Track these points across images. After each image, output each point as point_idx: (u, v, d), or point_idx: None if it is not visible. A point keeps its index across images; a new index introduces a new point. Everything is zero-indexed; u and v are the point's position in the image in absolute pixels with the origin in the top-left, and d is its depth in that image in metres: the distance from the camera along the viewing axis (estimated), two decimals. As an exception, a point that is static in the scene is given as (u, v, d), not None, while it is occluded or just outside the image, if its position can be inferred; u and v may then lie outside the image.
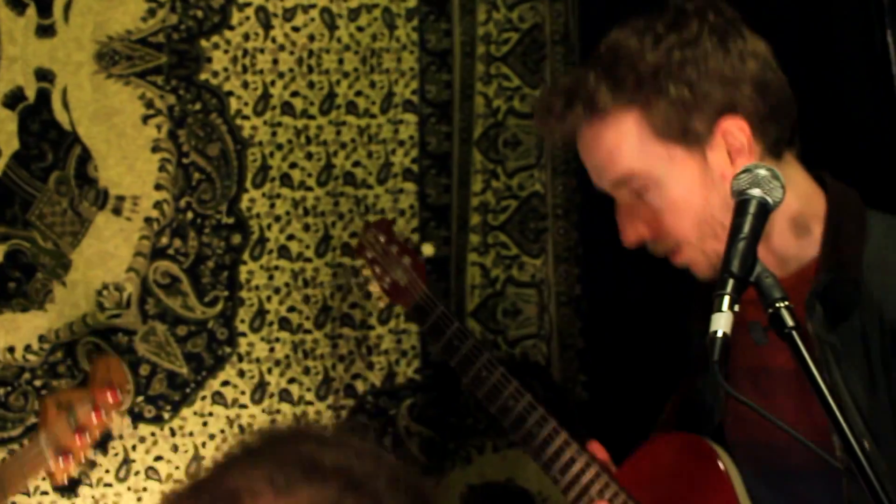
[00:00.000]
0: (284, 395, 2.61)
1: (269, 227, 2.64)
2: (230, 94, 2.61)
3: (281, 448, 0.96)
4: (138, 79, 2.56)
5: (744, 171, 1.55)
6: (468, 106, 2.74)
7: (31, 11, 2.51)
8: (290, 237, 2.65)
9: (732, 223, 1.53)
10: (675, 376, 2.09)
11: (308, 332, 2.64)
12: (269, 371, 2.61)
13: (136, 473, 2.52)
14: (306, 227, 2.65)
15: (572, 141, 1.87)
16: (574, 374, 2.76)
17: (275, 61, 2.64)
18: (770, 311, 1.48)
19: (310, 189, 2.66)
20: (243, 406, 2.59)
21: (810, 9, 2.33)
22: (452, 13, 2.72)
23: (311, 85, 2.66)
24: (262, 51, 2.63)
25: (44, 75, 2.51)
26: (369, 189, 2.69)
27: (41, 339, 2.50)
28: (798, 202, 1.79)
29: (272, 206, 2.64)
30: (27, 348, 2.49)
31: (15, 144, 2.49)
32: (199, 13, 2.59)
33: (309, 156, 2.66)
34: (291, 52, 2.64)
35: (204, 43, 2.59)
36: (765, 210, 1.53)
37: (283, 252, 2.64)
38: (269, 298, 2.63)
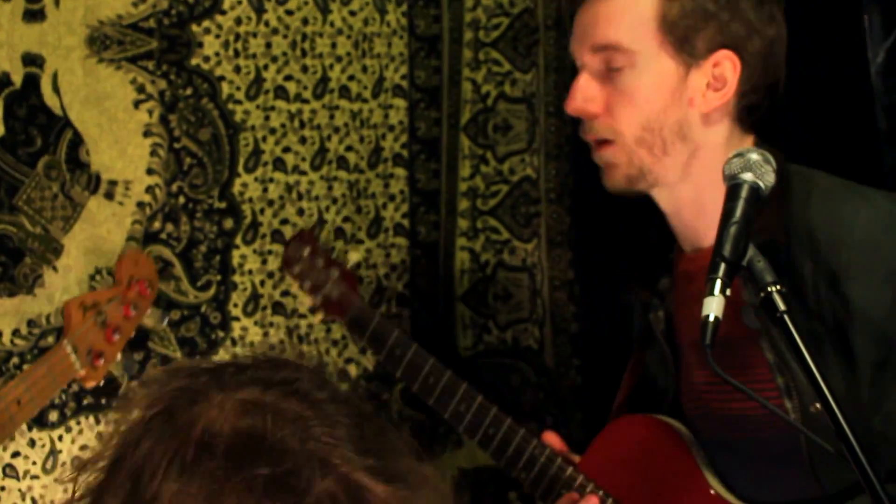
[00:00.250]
0: (277, 380, 2.61)
1: (261, 211, 2.63)
2: (222, 78, 2.61)
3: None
4: (129, 63, 2.55)
5: (736, 156, 1.56)
6: (456, 91, 2.74)
7: (19, -4, 2.50)
8: (284, 221, 2.65)
9: (724, 207, 1.54)
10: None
11: (303, 316, 2.64)
12: (263, 356, 2.60)
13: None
14: (300, 212, 2.65)
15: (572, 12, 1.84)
16: (568, 358, 2.76)
17: (268, 45, 2.63)
18: (762, 294, 1.49)
19: (303, 173, 2.66)
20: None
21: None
22: (441, -1, 2.72)
23: (304, 69, 2.66)
24: (254, 35, 2.62)
25: (32, 60, 2.50)
26: (361, 174, 2.69)
27: (30, 323, 2.50)
28: None
29: (265, 190, 2.64)
30: (15, 333, 2.48)
31: (0, 130, 2.48)
32: (191, -2, 2.59)
33: (303, 140, 2.66)
34: (285, 36, 2.64)
35: (195, 28, 2.59)
36: (757, 195, 1.54)
37: (277, 236, 2.64)
38: (262, 283, 2.63)
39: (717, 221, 1.77)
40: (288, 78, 2.65)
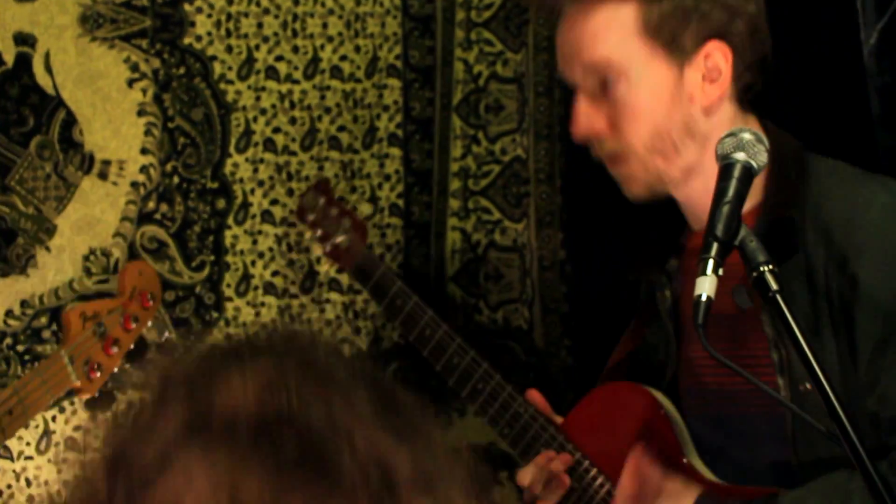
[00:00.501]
0: (270, 360, 2.61)
1: (252, 191, 2.64)
2: (214, 58, 2.60)
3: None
4: (123, 42, 2.54)
5: (728, 136, 1.56)
6: (448, 72, 2.74)
7: (10, -24, 2.49)
8: (274, 202, 2.65)
9: (717, 187, 1.55)
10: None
11: (294, 296, 2.65)
12: (256, 336, 2.61)
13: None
14: (290, 192, 2.65)
15: (557, 14, 1.84)
16: (558, 338, 2.78)
17: (259, 25, 2.63)
18: (754, 274, 1.50)
19: (293, 154, 2.66)
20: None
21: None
22: (435, -23, 2.71)
23: (295, 49, 2.66)
24: (246, 15, 2.62)
25: (24, 40, 2.49)
26: (355, 154, 2.69)
27: (24, 304, 2.50)
28: None
29: (255, 170, 2.64)
30: (9, 313, 2.48)
31: (-8, 110, 2.48)
32: (183, -24, 2.58)
33: (293, 120, 2.66)
34: (276, 16, 2.64)
35: (187, 7, 2.58)
36: (749, 174, 1.55)
37: (267, 217, 2.64)
38: (253, 263, 2.63)
39: None
40: (279, 58, 2.65)
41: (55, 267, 2.50)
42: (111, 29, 2.54)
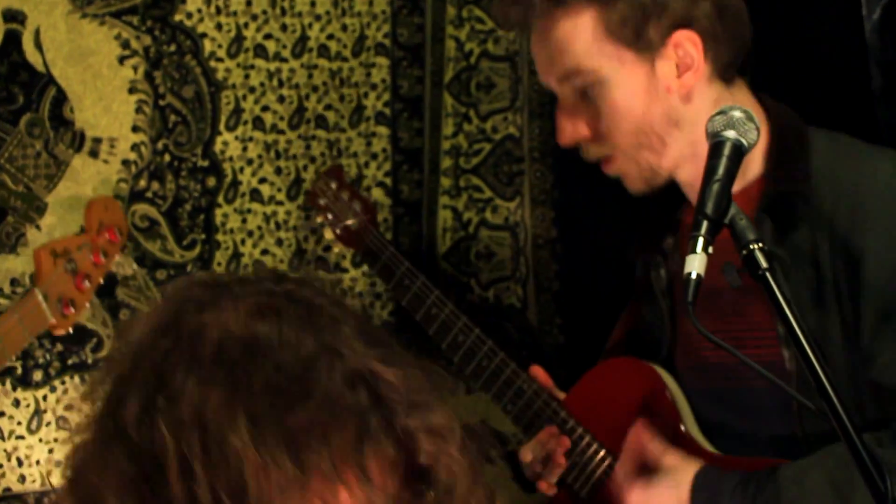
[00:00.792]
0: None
1: (241, 170, 2.63)
2: (204, 35, 2.60)
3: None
4: (114, 18, 2.53)
5: (719, 113, 1.56)
6: (439, 49, 2.74)
7: (-1, -48, 2.48)
8: (262, 180, 2.65)
9: (707, 165, 1.55)
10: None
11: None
12: (246, 314, 2.61)
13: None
14: (278, 171, 2.65)
15: (525, 28, 1.87)
16: (551, 316, 2.78)
17: (248, 3, 2.62)
18: (744, 252, 1.51)
19: (281, 132, 2.66)
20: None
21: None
22: (425, -45, 2.71)
23: (283, 27, 2.65)
24: (235, -9, 2.61)
25: (13, 16, 2.48)
26: (342, 132, 2.69)
27: (13, 282, 2.49)
28: None
29: (244, 149, 2.64)
30: (-2, 292, 2.49)
31: (-19, 87, 2.47)
32: (172, -48, 2.57)
33: (281, 99, 2.65)
34: (265, -6, 2.63)
35: (177, -17, 2.58)
36: (739, 152, 1.55)
37: (255, 195, 2.64)
38: (243, 241, 2.64)
39: None
40: (267, 36, 2.64)
41: (46, 245, 2.50)
42: (102, 5, 2.52)
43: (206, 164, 2.61)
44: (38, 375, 2.48)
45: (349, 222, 2.32)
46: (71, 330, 2.09)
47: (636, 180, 1.85)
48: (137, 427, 0.92)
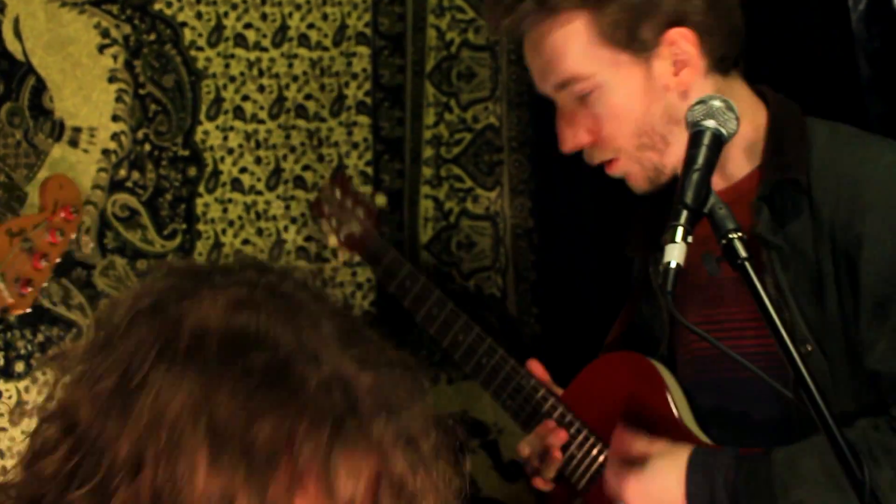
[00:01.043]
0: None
1: (222, 159, 2.63)
2: (184, 24, 2.59)
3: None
4: (93, 7, 2.52)
5: (699, 103, 1.57)
6: (420, 38, 2.73)
7: (-23, -60, 2.47)
8: (243, 170, 2.64)
9: (686, 154, 1.55)
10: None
11: (265, 264, 2.65)
12: (226, 304, 2.61)
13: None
14: (258, 160, 2.65)
15: (519, 37, 1.87)
16: (528, 306, 2.79)
17: (228, -9, 2.62)
18: (723, 241, 1.51)
19: (262, 122, 2.65)
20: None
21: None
22: (405, -56, 2.71)
23: (263, 17, 2.65)
24: (214, -20, 2.61)
25: (-8, 5, 2.47)
26: (322, 122, 2.69)
27: (-7, 272, 2.49)
28: (743, 119, 1.82)
29: (225, 138, 2.63)
30: (-22, 282, 2.47)
31: (-40, 77, 2.46)
32: (152, -58, 2.56)
33: (261, 88, 2.65)
34: (245, -18, 2.63)
35: (157, -28, 2.57)
36: (719, 141, 1.55)
37: (237, 185, 2.64)
38: (224, 231, 2.63)
39: (722, 167, 1.80)
40: (248, 26, 2.63)
41: (26, 235, 2.49)
42: (81, -6, 2.52)
43: (186, 153, 2.60)
44: (19, 367, 2.48)
45: (353, 229, 2.35)
46: (29, 309, 2.08)
47: (641, 180, 1.85)
48: (93, 418, 0.91)
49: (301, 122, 2.67)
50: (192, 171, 2.61)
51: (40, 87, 2.50)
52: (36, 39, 2.48)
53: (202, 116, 2.61)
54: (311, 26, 2.67)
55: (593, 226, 2.61)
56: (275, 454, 0.89)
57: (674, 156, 1.83)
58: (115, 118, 2.55)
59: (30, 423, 2.47)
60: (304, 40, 2.67)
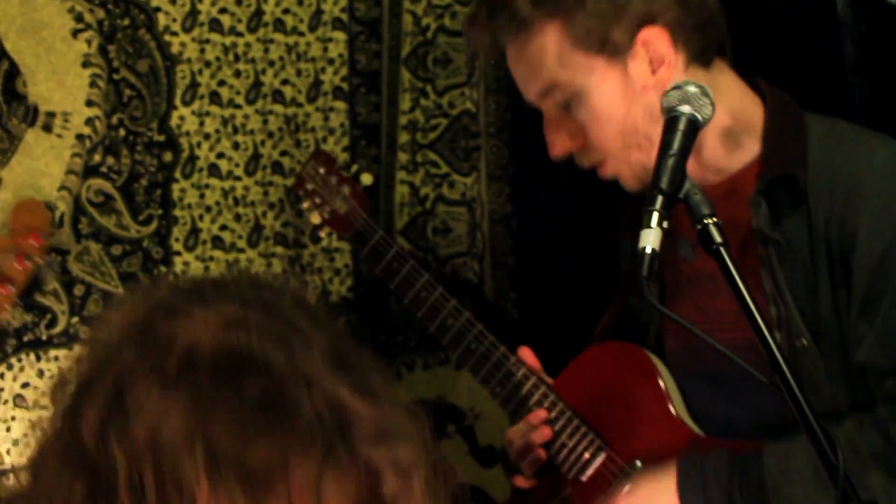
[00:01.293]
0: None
1: (198, 145, 2.62)
2: (158, 9, 2.58)
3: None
4: (67, -9, 2.51)
5: (674, 88, 1.57)
6: (396, 24, 2.73)
7: (-52, -77, 2.45)
8: (220, 155, 2.64)
9: (662, 140, 1.56)
10: (604, 294, 2.13)
11: (241, 250, 2.64)
12: (203, 290, 2.60)
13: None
14: (235, 146, 2.64)
15: (499, 53, 1.90)
16: (506, 292, 2.79)
17: (202, -24, 2.61)
18: (698, 227, 1.51)
19: (238, 107, 2.64)
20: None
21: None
22: (381, -71, 2.70)
23: (238, 1, 2.64)
24: (189, -35, 2.59)
25: (-36, -10, 2.45)
26: (299, 107, 2.68)
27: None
28: (730, 111, 1.82)
29: (202, 123, 2.62)
30: (-49, 268, 2.46)
31: (-69, 62, 2.44)
32: (125, -75, 2.54)
33: (237, 73, 2.64)
34: (220, -33, 2.61)
35: (131, -44, 2.55)
36: (694, 127, 1.56)
37: (213, 170, 2.63)
38: (201, 217, 2.62)
39: (715, 162, 1.82)
40: (222, 10, 2.62)
41: (0, 220, 2.47)
42: (54, -22, 2.50)
43: (162, 138, 2.59)
44: (-8, 353, 2.47)
45: (337, 206, 2.30)
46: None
47: (631, 181, 1.87)
48: (93, 441, 0.90)
49: (278, 108, 2.66)
50: (168, 157, 2.60)
51: (14, 71, 2.48)
52: (9, 24, 2.46)
53: (177, 101, 2.60)
54: (286, 11, 2.66)
55: (573, 211, 2.61)
56: (270, 477, 0.89)
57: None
58: (89, 103, 2.54)
59: (4, 410, 2.46)
60: (279, 25, 2.66)
